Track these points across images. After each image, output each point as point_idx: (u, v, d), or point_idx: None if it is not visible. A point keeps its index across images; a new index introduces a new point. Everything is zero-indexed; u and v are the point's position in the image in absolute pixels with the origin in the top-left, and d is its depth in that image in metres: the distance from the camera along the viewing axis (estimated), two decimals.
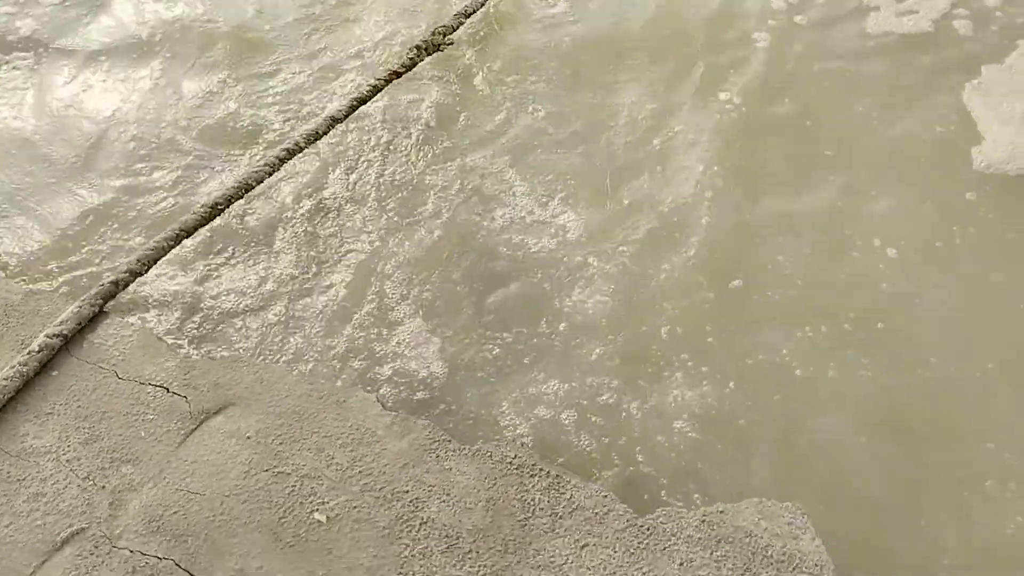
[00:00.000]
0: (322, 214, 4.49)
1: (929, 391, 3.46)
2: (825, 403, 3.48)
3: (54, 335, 3.84)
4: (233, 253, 4.34)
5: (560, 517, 3.28)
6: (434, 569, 3.15)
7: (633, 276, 4.01)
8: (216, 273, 4.24)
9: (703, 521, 3.23)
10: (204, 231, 4.41)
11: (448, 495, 3.36)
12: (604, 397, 3.62)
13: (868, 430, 3.39)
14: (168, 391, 3.74)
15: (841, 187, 4.23)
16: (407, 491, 3.37)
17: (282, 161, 4.69)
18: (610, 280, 3.99)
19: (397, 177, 4.63)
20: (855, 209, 4.15)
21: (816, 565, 3.09)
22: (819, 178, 4.31)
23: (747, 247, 4.06)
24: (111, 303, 4.08)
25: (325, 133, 4.90)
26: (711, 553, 3.15)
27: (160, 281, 4.22)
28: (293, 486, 3.41)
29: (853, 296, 3.81)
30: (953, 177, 4.18)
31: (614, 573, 3.12)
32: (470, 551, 3.20)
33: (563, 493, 3.34)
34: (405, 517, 3.30)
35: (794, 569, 3.08)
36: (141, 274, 4.19)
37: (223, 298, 4.13)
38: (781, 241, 4.05)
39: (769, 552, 3.13)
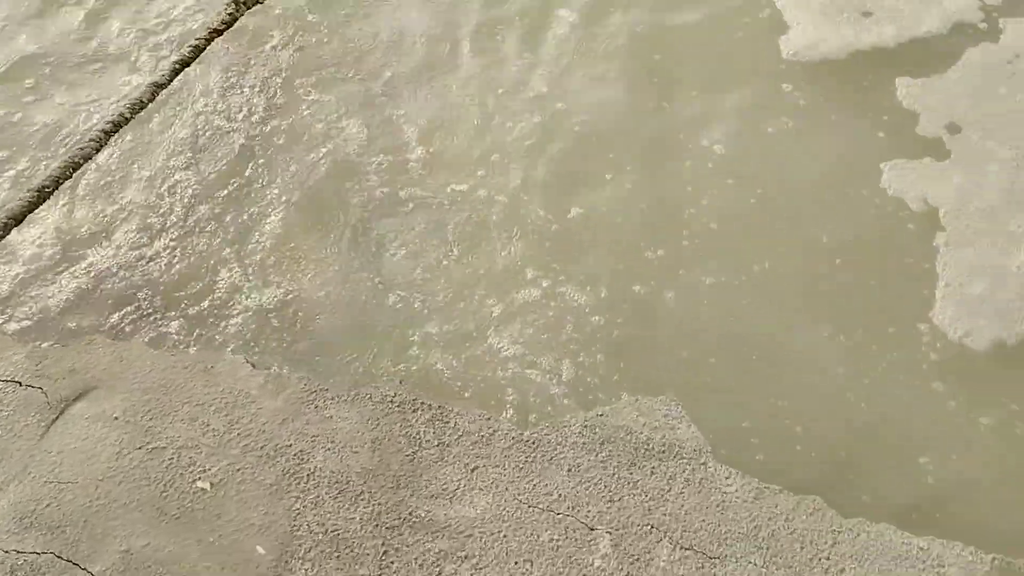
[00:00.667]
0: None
1: (760, 289, 3.63)
2: (679, 306, 3.61)
3: None
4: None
5: (447, 446, 3.30)
6: (327, 516, 3.13)
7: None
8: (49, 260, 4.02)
9: (585, 426, 3.31)
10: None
11: (332, 442, 3.33)
12: (470, 328, 3.65)
13: (720, 326, 3.54)
14: (21, 384, 3.55)
15: (661, 90, 4.34)
16: (290, 445, 3.33)
17: (108, 135, 4.44)
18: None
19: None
20: (679, 111, 4.26)
21: (695, 451, 3.23)
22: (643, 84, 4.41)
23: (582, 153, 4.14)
24: None
25: (151, 100, 4.67)
26: (596, 455, 3.24)
27: None
28: (170, 459, 3.31)
29: (688, 200, 3.93)
30: (766, 66, 4.34)
31: (506, 489, 3.17)
32: (362, 493, 3.20)
33: (447, 422, 3.36)
34: (291, 471, 3.26)
35: (675, 456, 3.21)
36: None
37: (60, 284, 3.92)
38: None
39: (650, 445, 3.25)
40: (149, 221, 4.04)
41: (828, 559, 2.94)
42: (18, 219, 3.93)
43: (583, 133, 4.20)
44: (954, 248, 3.78)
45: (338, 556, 3.04)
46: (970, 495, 3.04)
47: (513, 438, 3.30)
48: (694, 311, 3.58)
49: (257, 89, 4.50)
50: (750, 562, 2.94)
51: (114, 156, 4.29)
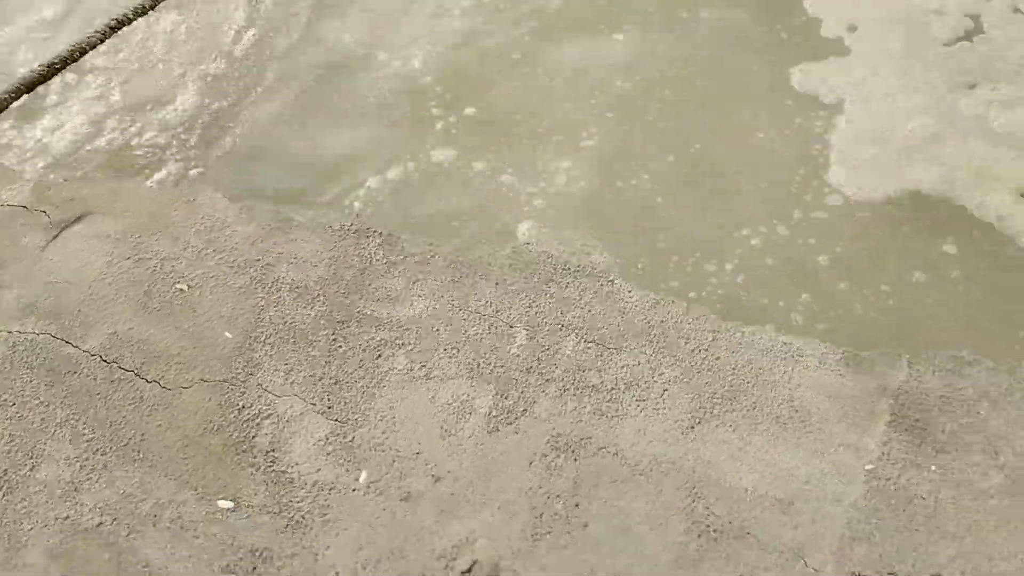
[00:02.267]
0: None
1: (686, 163, 4.20)
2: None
3: None
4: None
5: (394, 264, 3.86)
6: (287, 312, 3.69)
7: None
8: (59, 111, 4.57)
9: (513, 251, 3.87)
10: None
11: (295, 258, 3.88)
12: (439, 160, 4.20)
13: (642, 184, 4.10)
14: (27, 208, 4.10)
15: None
16: (258, 259, 3.88)
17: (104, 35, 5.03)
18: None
19: None
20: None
21: (604, 271, 3.78)
22: None
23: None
24: None
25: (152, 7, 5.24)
26: (521, 273, 3.79)
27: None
28: (155, 267, 3.86)
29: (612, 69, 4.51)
30: None
31: (442, 296, 3.72)
32: (318, 295, 3.75)
33: (395, 246, 3.92)
34: (258, 278, 3.81)
35: (587, 275, 3.77)
36: None
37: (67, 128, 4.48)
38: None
39: (568, 266, 3.81)
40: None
41: (707, 351, 3.50)
42: (29, 88, 4.49)
43: None
44: (853, 124, 4.34)
45: (294, 341, 3.59)
46: (835, 309, 3.60)
47: (451, 259, 3.85)
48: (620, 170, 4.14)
49: None
50: (642, 352, 3.50)
51: None
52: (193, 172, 4.24)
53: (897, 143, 4.24)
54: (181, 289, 3.75)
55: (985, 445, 3.15)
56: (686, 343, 3.51)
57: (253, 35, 4.96)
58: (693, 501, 3.06)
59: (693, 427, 3.25)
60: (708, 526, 3.01)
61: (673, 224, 3.94)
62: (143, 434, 3.28)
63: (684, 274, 3.75)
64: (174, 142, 4.38)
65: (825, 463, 3.14)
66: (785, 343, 3.48)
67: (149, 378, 3.44)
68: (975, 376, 3.33)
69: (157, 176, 4.23)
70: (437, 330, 3.59)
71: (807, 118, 4.35)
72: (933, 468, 3.10)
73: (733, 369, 3.41)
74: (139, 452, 3.24)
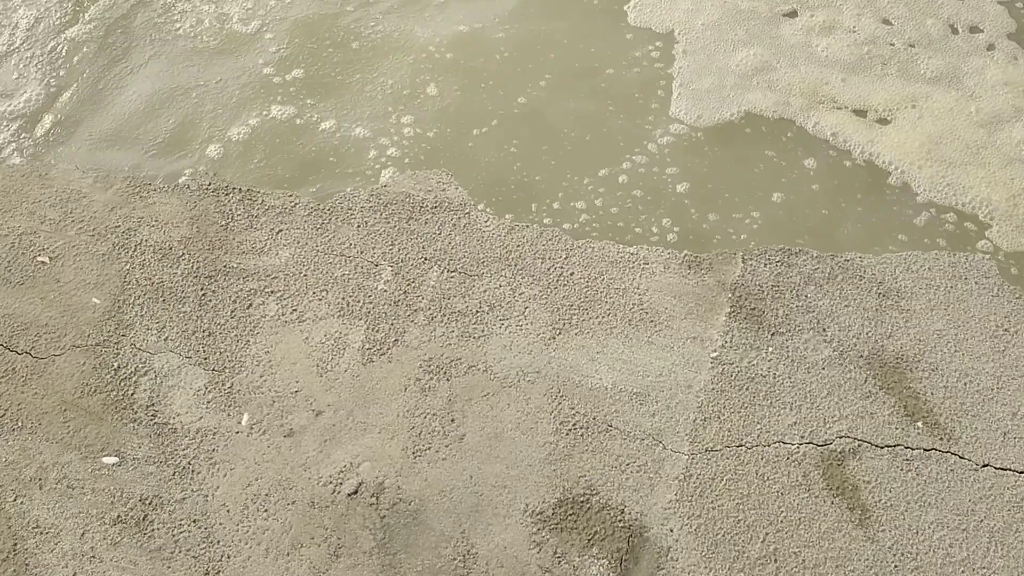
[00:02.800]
0: None
1: (539, 101, 4.40)
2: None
3: None
4: None
5: (256, 217, 3.94)
6: (153, 273, 3.74)
7: None
8: None
9: (371, 195, 4.01)
10: None
11: (156, 221, 3.92)
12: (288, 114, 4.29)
13: (493, 120, 4.30)
14: None
15: None
16: (119, 226, 3.90)
17: None
18: None
19: None
20: None
21: (461, 204, 3.97)
22: None
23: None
24: None
25: None
26: (380, 214, 3.94)
27: None
28: (13, 243, 3.84)
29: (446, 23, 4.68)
30: None
31: (306, 244, 3.84)
32: (182, 254, 3.81)
33: (256, 200, 4.00)
34: (121, 243, 3.84)
35: (445, 210, 3.94)
36: None
37: None
38: None
39: (425, 203, 3.97)
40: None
41: (562, 268, 3.73)
42: None
43: None
44: (688, 56, 4.62)
45: (163, 300, 3.66)
46: (679, 223, 3.89)
47: (312, 208, 3.97)
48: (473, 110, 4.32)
49: None
50: (502, 275, 3.71)
51: None
52: (42, 147, 4.20)
53: (732, 72, 4.55)
54: (43, 262, 3.75)
55: (814, 323, 3.50)
56: (542, 263, 3.74)
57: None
58: (559, 404, 3.31)
59: (554, 338, 3.49)
60: (575, 424, 3.26)
61: (523, 158, 4.14)
62: (19, 404, 3.32)
63: (535, 200, 3.97)
64: (18, 120, 4.32)
65: (675, 355, 3.43)
66: (632, 254, 3.75)
67: (19, 350, 3.46)
68: (801, 265, 3.68)
69: (4, 154, 4.18)
70: (304, 275, 3.72)
71: (645, 52, 4.60)
72: (770, 349, 3.43)
73: (587, 282, 3.66)
74: (17, 421, 3.28)
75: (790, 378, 3.35)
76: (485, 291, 3.63)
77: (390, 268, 3.72)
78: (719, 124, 4.30)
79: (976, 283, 3.59)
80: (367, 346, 3.48)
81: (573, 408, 3.30)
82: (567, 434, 3.23)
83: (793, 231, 3.83)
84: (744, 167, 4.08)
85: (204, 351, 3.47)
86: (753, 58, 4.63)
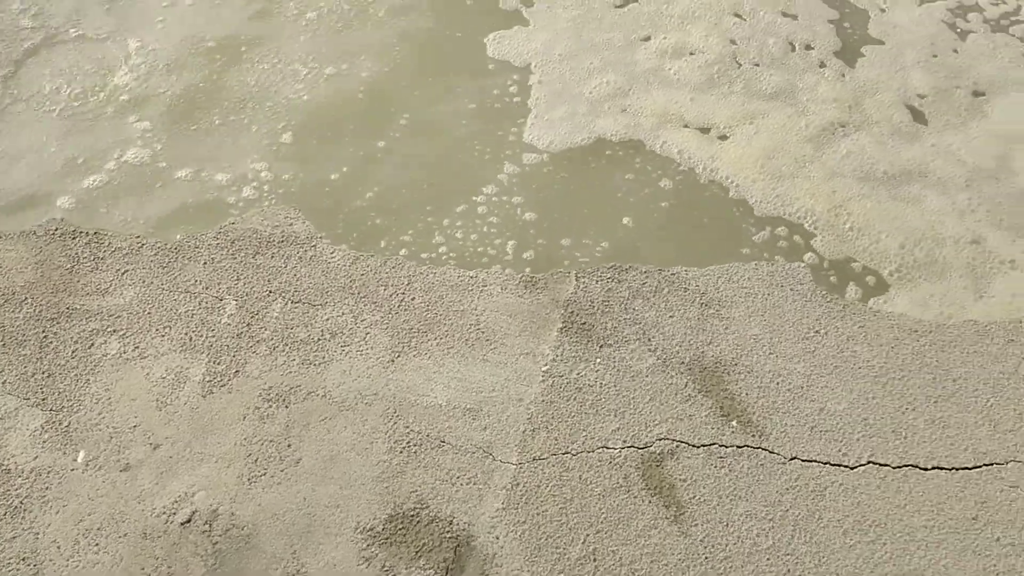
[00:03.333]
0: None
1: (409, 132, 4.56)
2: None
3: None
4: None
5: (102, 259, 3.99)
6: None
7: None
8: None
9: (219, 232, 4.09)
10: None
11: (0, 268, 3.94)
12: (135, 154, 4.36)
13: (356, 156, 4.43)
14: None
15: None
16: None
17: None
18: None
19: None
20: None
21: (307, 238, 4.07)
22: None
23: None
24: None
25: None
26: (227, 251, 4.02)
27: None
28: None
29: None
30: None
31: (151, 283, 3.89)
32: (25, 299, 3.83)
33: (103, 243, 4.05)
34: None
35: (291, 244, 4.04)
36: None
37: None
38: None
39: (272, 238, 4.07)
40: None
41: (404, 293, 3.85)
42: None
43: None
44: (544, 86, 4.83)
45: (3, 344, 3.67)
46: (523, 247, 4.04)
47: (159, 247, 4.03)
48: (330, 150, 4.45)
49: None
50: (344, 304, 3.81)
51: None
52: None
53: (585, 99, 4.78)
54: None
55: (640, 334, 3.66)
56: (385, 289, 3.85)
57: None
58: (394, 423, 3.41)
59: (393, 360, 3.60)
60: (408, 442, 3.36)
61: (374, 189, 4.28)
62: None
63: (379, 232, 4.10)
64: None
65: (508, 371, 3.56)
66: (471, 277, 3.89)
67: None
68: (631, 280, 3.86)
69: None
70: (148, 313, 3.77)
71: (503, 84, 4.81)
72: (598, 360, 3.59)
73: (427, 306, 3.78)
74: None
75: (615, 387, 3.50)
76: (328, 319, 3.73)
77: (235, 302, 3.80)
78: (570, 149, 4.49)
79: (791, 289, 3.81)
80: (207, 379, 3.54)
81: (408, 427, 3.39)
82: (401, 452, 3.33)
83: (638, 249, 4.01)
84: (592, 189, 4.27)
85: (43, 392, 3.50)
86: (606, 85, 4.85)
